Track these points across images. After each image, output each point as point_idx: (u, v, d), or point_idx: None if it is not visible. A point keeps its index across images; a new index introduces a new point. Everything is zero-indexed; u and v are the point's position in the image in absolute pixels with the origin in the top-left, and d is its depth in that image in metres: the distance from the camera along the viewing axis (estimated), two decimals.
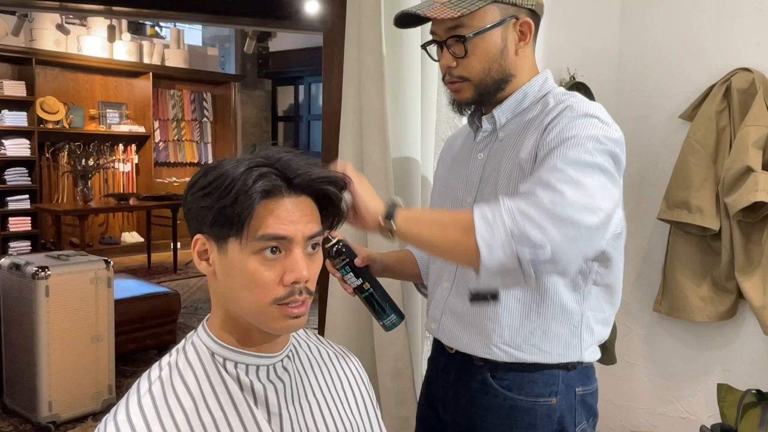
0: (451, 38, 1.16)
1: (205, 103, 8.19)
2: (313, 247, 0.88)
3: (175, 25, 7.88)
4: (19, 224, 6.47)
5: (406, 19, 1.19)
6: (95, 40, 6.93)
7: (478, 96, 1.19)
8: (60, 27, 6.35)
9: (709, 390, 2.18)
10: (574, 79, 2.05)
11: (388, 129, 1.52)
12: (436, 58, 1.22)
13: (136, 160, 7.57)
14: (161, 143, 7.82)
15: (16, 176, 6.44)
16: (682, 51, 2.19)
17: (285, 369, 0.93)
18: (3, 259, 3.05)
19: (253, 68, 8.58)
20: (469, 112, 1.25)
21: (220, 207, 0.83)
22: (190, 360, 0.89)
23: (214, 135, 8.31)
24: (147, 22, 7.73)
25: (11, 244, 6.39)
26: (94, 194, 6.67)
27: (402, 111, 1.58)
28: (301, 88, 8.53)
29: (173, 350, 0.92)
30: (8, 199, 6.37)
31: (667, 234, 2.20)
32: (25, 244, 6.50)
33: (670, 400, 2.31)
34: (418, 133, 1.63)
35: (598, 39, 2.25)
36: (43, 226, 6.63)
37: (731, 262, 2.04)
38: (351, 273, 1.15)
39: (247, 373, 0.89)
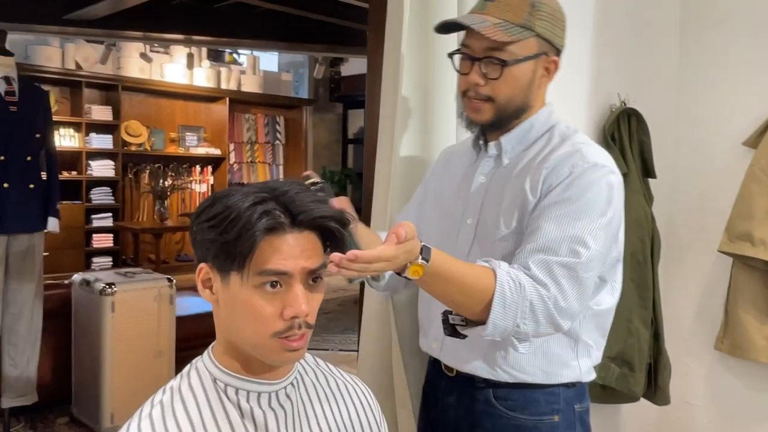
0: (488, 58, 1.18)
1: (277, 126, 8.45)
2: (314, 280, 0.89)
3: (252, 53, 8.20)
4: (102, 241, 6.85)
5: (449, 26, 1.23)
6: (177, 67, 7.30)
7: (496, 119, 1.23)
8: (144, 55, 6.74)
9: None
10: (625, 104, 1.98)
11: (392, 156, 1.53)
12: (460, 70, 1.23)
13: (211, 181, 7.88)
14: (235, 165, 8.11)
15: (101, 195, 6.84)
16: (746, 74, 2.08)
17: (288, 396, 0.94)
18: (75, 275, 3.23)
19: (326, 92, 8.79)
20: (476, 131, 1.28)
21: (223, 242, 0.84)
22: (193, 385, 0.91)
23: (286, 157, 8.55)
24: (226, 50, 8.08)
25: (94, 260, 6.77)
26: (171, 213, 6.98)
27: (434, 141, 1.58)
28: None
29: (178, 375, 0.94)
30: (93, 216, 6.77)
31: (729, 267, 2.07)
32: (107, 260, 6.86)
33: None
34: None
35: (654, 63, 2.17)
36: (124, 242, 6.98)
37: None
38: None
39: (248, 400, 0.90)
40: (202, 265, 0.90)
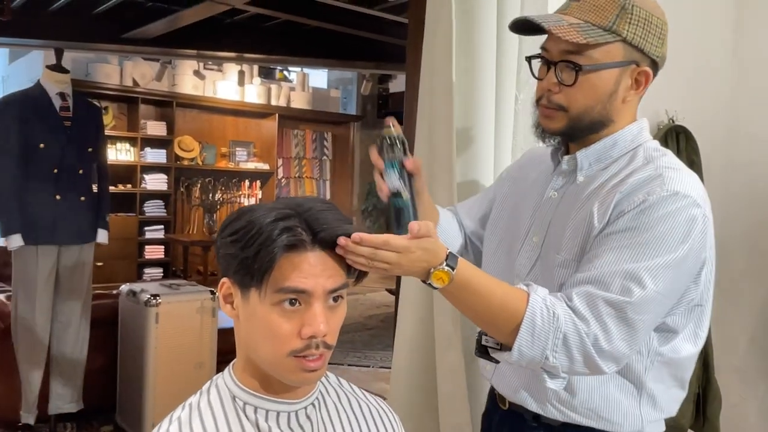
0: (564, 62, 1.08)
1: (325, 142, 8.55)
2: (335, 300, 0.87)
3: (301, 70, 8.33)
4: (153, 252, 7.03)
5: (524, 26, 1.12)
6: (229, 84, 7.48)
7: (569, 130, 1.12)
8: (197, 73, 6.93)
9: None
10: (673, 122, 1.91)
11: (455, 178, 1.50)
12: (537, 75, 1.14)
13: (260, 195, 8.00)
14: (283, 180, 8.23)
15: (153, 208, 7.03)
16: None
17: (308, 417, 0.92)
18: (123, 286, 3.31)
19: (373, 109, 8.84)
20: (553, 143, 1.18)
21: (244, 257, 0.83)
22: (212, 402, 0.90)
23: (333, 172, 8.64)
24: (276, 67, 8.23)
25: (146, 270, 6.95)
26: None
27: (472, 161, 1.56)
28: None
29: (198, 391, 0.93)
30: (146, 228, 6.96)
31: None
32: (158, 271, 7.03)
33: None
34: (490, 181, 1.59)
35: (705, 79, 2.08)
36: (174, 254, 7.14)
37: None
38: (396, 172, 1.03)
39: (266, 419, 0.88)
40: (224, 279, 0.90)
